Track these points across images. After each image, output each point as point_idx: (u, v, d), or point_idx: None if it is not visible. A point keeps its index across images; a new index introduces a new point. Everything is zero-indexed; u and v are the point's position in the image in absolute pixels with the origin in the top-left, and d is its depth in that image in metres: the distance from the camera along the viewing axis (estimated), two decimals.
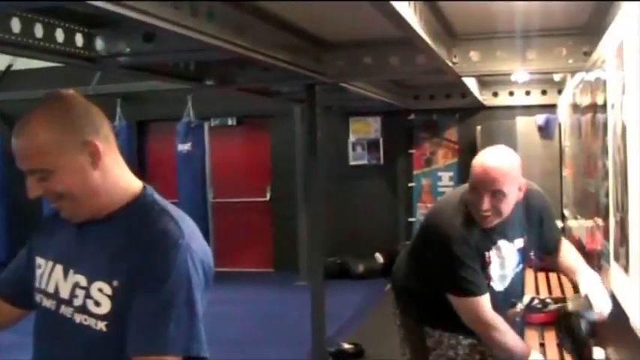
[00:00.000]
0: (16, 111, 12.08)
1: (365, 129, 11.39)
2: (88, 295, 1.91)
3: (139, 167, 10.94)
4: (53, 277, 2.01)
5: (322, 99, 6.90)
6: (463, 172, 9.69)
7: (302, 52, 5.62)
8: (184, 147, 10.72)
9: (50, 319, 1.99)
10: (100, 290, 1.89)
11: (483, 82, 9.51)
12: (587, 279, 3.36)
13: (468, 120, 10.67)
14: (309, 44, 5.81)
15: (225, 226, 11.63)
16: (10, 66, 12.35)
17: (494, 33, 5.60)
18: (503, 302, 3.41)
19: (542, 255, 3.78)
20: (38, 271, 2.06)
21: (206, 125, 11.30)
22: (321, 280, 6.45)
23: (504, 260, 3.36)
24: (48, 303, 2.01)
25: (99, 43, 4.79)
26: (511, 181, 3.18)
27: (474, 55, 5.77)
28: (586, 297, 3.25)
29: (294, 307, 5.56)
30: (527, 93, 9.98)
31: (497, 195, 3.16)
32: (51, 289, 2.01)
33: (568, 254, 3.62)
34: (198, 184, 10.77)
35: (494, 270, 3.34)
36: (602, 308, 3.20)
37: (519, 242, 3.40)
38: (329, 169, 7.30)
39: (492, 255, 3.33)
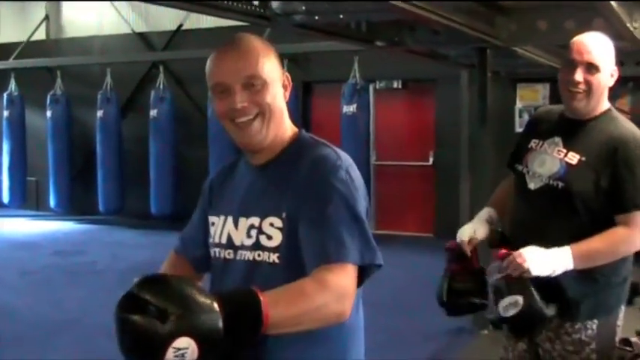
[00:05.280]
0: (184, 71, 12.55)
1: (532, 96, 11.05)
2: (260, 232, 2.00)
3: (303, 128, 11.03)
4: (225, 230, 2.11)
5: (490, 64, 6.77)
6: None
7: (476, 15, 5.51)
8: (349, 109, 10.75)
9: (228, 267, 2.08)
10: (272, 224, 1.99)
11: None
12: None
13: None
14: (483, 7, 5.70)
15: (387, 189, 11.65)
16: (180, 26, 12.75)
17: None
18: (537, 211, 3.02)
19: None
20: (212, 229, 2.16)
21: (371, 87, 11.30)
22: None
23: (546, 160, 2.99)
24: (225, 253, 2.10)
25: (275, 2, 4.86)
26: (606, 59, 2.90)
27: None
28: None
29: None
30: None
31: (591, 69, 2.87)
32: (224, 240, 2.10)
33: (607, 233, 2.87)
34: (362, 146, 10.76)
35: (532, 161, 3.05)
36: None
37: (573, 157, 2.92)
38: (494, 136, 7.17)
39: (541, 146, 3.04)
